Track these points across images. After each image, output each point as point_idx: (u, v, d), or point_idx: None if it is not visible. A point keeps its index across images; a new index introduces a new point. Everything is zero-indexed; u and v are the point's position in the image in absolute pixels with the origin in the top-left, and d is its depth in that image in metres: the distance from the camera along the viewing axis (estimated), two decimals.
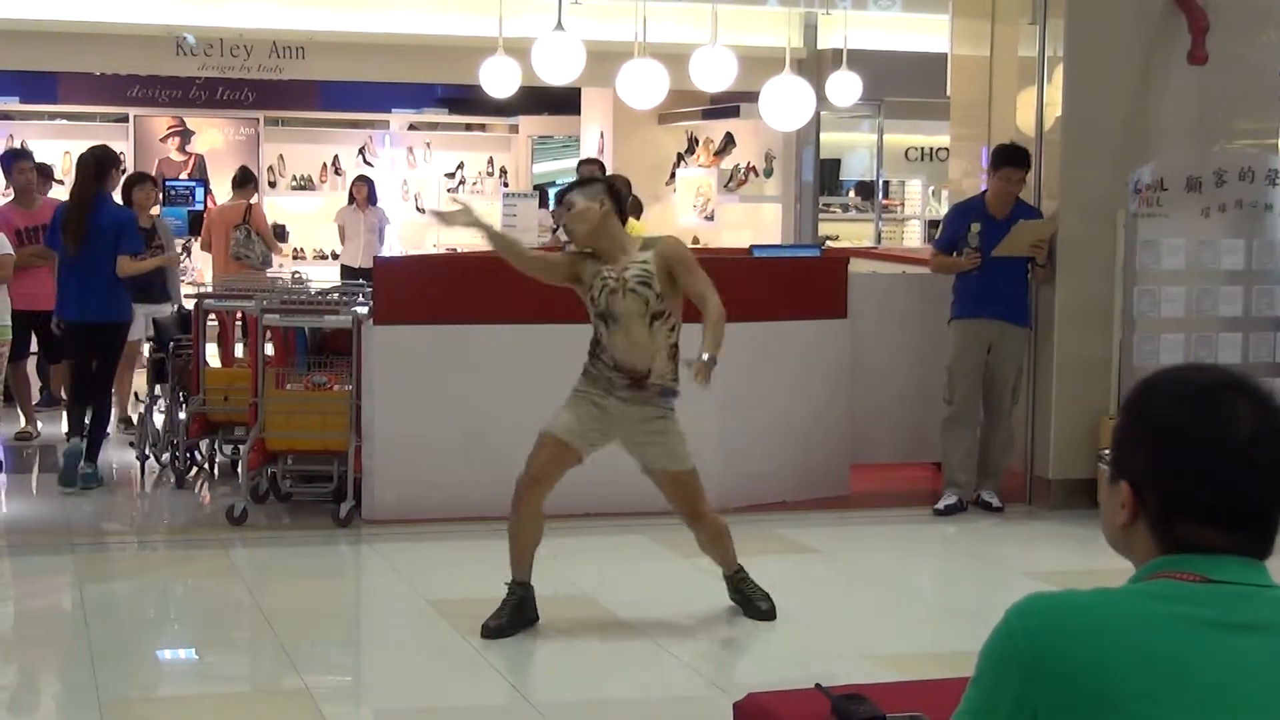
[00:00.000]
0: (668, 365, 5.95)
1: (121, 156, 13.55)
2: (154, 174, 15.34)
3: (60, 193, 12.88)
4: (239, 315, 9.68)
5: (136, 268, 8.98)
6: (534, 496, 5.99)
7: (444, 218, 6.31)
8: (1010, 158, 8.38)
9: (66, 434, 8.73)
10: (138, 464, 9.23)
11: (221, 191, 15.33)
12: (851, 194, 16.68)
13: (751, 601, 6.29)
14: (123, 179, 10.57)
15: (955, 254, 8.50)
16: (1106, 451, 2.08)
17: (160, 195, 11.00)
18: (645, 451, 6.05)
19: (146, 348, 10.17)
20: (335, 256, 15.64)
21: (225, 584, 7.03)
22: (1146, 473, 2.00)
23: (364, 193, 14.90)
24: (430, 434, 7.96)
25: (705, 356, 5.81)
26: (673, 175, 16.00)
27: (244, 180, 13.23)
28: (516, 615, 6.03)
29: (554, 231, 13.10)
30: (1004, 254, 8.30)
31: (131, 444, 9.62)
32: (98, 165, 8.86)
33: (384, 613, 6.76)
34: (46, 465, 9.72)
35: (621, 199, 6.19)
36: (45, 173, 11.94)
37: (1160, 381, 2.04)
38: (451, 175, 17.70)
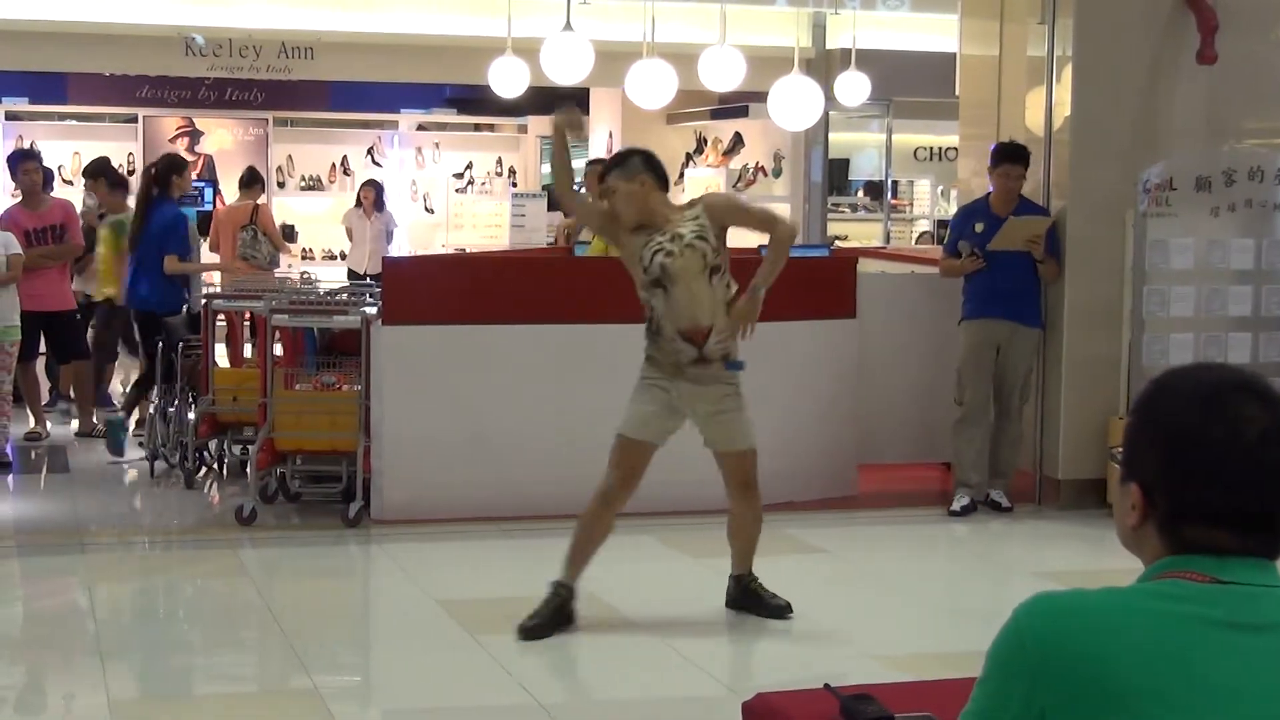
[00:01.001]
0: (727, 325, 5.97)
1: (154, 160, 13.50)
2: None
3: (63, 193, 12.89)
4: (247, 315, 9.69)
5: (180, 268, 9.88)
6: (624, 500, 6.09)
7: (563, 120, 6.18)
8: (1008, 154, 8.40)
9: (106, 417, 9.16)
10: (147, 464, 9.24)
11: (230, 192, 15.35)
12: (860, 194, 16.68)
13: (764, 600, 6.28)
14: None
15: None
16: (1119, 449, 2.07)
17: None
18: (711, 431, 6.12)
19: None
20: (344, 257, 15.63)
21: (234, 584, 7.04)
22: (1156, 474, 1.99)
23: (371, 197, 14.85)
24: (439, 434, 7.96)
25: (756, 284, 5.94)
26: (681, 175, 15.99)
27: (251, 180, 13.25)
28: (556, 617, 6.02)
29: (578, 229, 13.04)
30: (999, 248, 8.32)
31: (141, 444, 9.63)
32: (159, 172, 9.97)
33: (393, 613, 6.77)
34: (56, 465, 9.73)
35: (659, 167, 6.23)
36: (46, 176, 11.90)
37: (1170, 382, 2.04)
38: (460, 175, 17.70)
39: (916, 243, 15.81)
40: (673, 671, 5.73)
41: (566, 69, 11.10)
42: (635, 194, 5.99)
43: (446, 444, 7.97)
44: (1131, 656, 1.89)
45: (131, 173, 15.88)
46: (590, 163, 12.85)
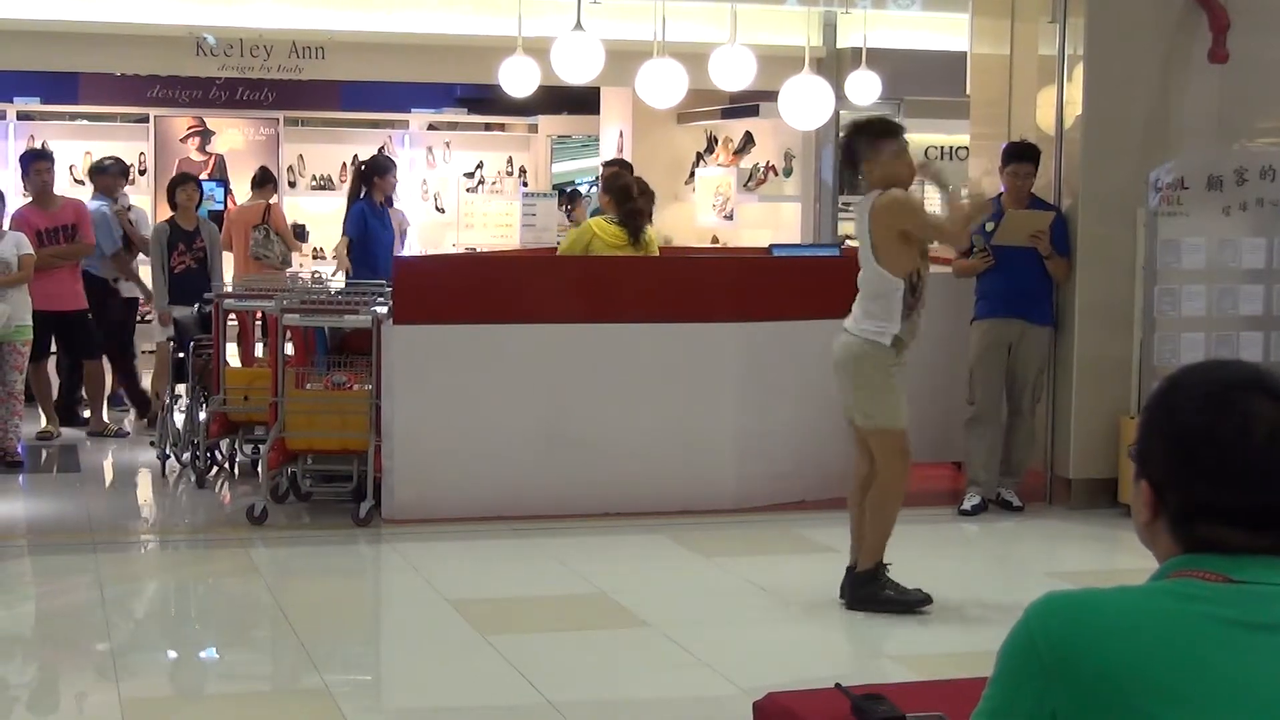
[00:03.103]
0: None
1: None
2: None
3: (74, 193, 12.90)
4: (259, 315, 9.70)
5: (339, 253, 11.06)
6: None
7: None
8: (1018, 153, 8.43)
9: None
10: (158, 463, 9.25)
11: (242, 192, 15.36)
12: None
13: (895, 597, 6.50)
14: (169, 180, 11.07)
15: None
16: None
17: (200, 196, 11.02)
18: None
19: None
20: None
21: (245, 583, 7.05)
22: (1166, 472, 1.99)
23: None
24: (450, 433, 7.97)
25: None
26: (692, 174, 15.98)
27: (263, 180, 13.25)
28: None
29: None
30: (1001, 242, 8.34)
31: (153, 443, 9.64)
32: (362, 171, 11.14)
33: (404, 612, 6.78)
34: (67, 465, 9.75)
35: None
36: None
37: (1182, 379, 2.03)
38: (470, 175, 17.70)
39: None
40: (684, 670, 5.73)
41: (577, 68, 11.09)
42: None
43: (457, 443, 7.97)
44: (1144, 656, 1.88)
45: (143, 172, 15.93)
46: (608, 163, 12.85)
